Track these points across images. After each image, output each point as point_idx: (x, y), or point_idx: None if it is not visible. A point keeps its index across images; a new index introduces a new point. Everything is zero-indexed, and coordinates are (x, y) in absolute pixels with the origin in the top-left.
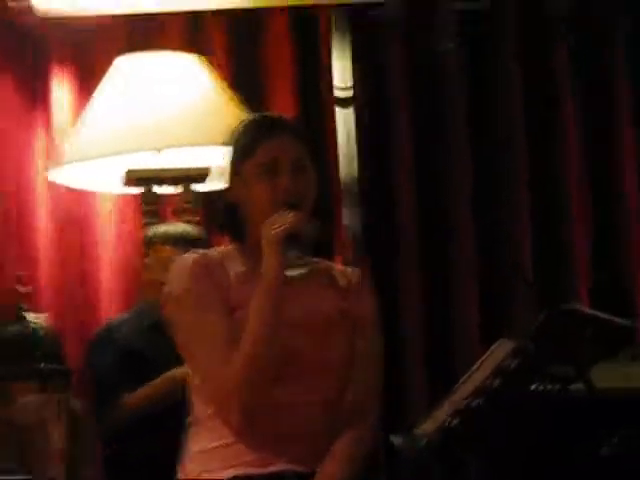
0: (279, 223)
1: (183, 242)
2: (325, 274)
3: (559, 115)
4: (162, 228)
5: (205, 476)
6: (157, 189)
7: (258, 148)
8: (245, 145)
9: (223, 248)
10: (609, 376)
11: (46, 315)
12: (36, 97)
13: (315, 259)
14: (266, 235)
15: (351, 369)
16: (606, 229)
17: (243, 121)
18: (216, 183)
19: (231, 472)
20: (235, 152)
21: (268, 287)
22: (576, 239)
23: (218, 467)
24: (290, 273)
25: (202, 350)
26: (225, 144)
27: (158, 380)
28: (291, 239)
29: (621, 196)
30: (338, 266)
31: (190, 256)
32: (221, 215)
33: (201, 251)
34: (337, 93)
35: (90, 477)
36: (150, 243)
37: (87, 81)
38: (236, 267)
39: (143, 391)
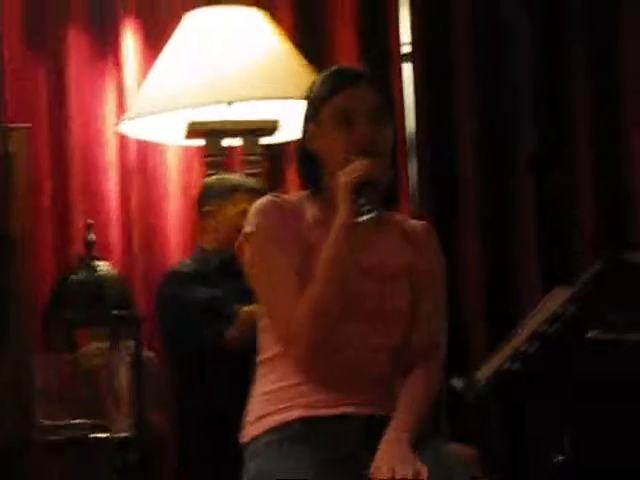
0: (354, 170)
1: (253, 192)
2: (397, 225)
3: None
4: (230, 178)
5: (272, 416)
6: (224, 141)
7: (337, 96)
8: (324, 92)
9: (300, 194)
10: None
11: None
12: (107, 51)
13: (387, 210)
14: (340, 182)
15: (414, 319)
16: None
17: (324, 71)
18: (284, 135)
19: (298, 413)
20: (314, 100)
21: (339, 234)
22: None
23: (284, 407)
24: (362, 220)
25: (272, 288)
26: (299, 96)
27: (242, 314)
28: (365, 187)
29: None
30: (409, 219)
31: (267, 198)
32: (298, 162)
33: (279, 195)
34: (402, 49)
35: (158, 423)
36: (219, 193)
37: (157, 35)
38: (312, 212)
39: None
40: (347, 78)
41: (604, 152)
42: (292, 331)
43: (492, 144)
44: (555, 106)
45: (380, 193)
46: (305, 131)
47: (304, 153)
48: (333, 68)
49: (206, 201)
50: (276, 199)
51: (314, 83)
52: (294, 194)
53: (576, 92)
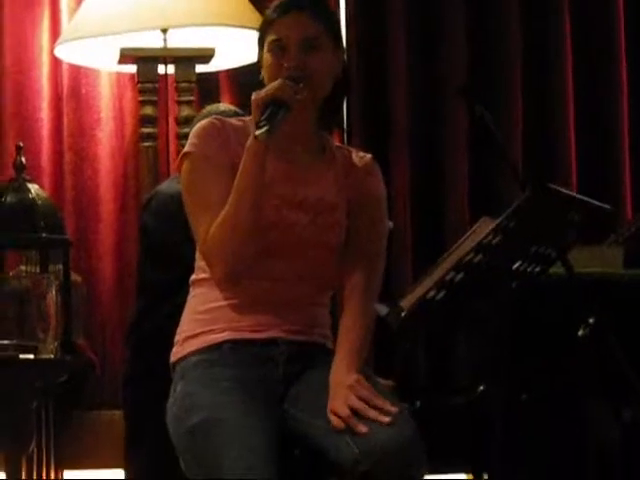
0: (265, 89)
1: None
2: (341, 159)
3: None
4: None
5: (201, 336)
6: (160, 68)
7: (273, 26)
8: (265, 23)
9: (249, 118)
10: (589, 259)
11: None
12: None
13: (335, 142)
14: (252, 100)
15: (353, 249)
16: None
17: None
18: (220, 63)
19: (226, 335)
20: (260, 28)
21: (246, 150)
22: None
23: (213, 329)
24: (256, 134)
25: (198, 209)
26: (235, 24)
27: None
28: (272, 105)
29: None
30: (355, 151)
31: (209, 120)
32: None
33: (222, 118)
34: None
35: (83, 348)
36: None
37: None
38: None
39: None
40: (285, 6)
41: (534, 86)
42: (208, 252)
43: (424, 74)
44: (486, 39)
45: (306, 115)
46: (257, 58)
47: (257, 78)
48: None
49: None
50: (217, 122)
51: (266, 11)
52: (244, 118)
53: (510, 26)
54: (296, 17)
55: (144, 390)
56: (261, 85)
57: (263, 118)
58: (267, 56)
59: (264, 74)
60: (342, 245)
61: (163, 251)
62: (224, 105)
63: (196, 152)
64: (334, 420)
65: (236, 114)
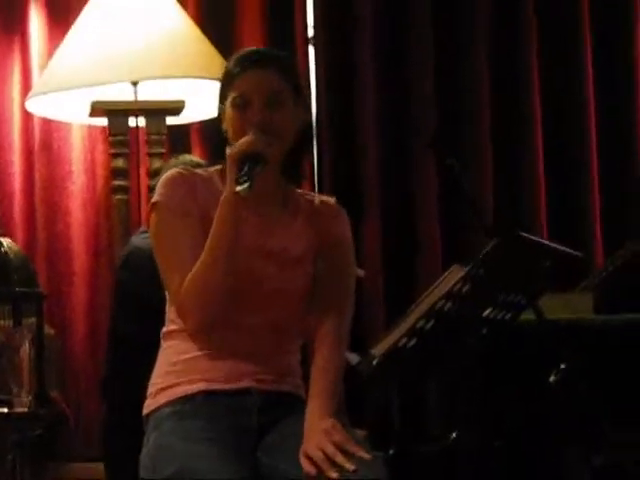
0: (239, 144)
1: None
2: (305, 206)
3: None
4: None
5: (173, 388)
6: (131, 121)
7: (236, 81)
8: (227, 77)
9: (212, 169)
10: (559, 306)
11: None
12: (14, 27)
13: (297, 190)
14: (227, 155)
15: (321, 296)
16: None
17: (235, 54)
18: (190, 115)
19: (199, 386)
20: (222, 82)
21: (221, 207)
22: (538, 174)
23: (186, 380)
24: (237, 190)
25: (168, 260)
26: (204, 76)
27: None
28: (249, 160)
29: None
30: (318, 197)
31: (176, 170)
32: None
33: (189, 168)
34: (308, 32)
35: (57, 400)
36: None
37: (64, 14)
38: (218, 188)
39: None
40: (248, 62)
41: (503, 138)
42: (180, 305)
43: (394, 126)
44: (455, 86)
45: (272, 168)
46: (218, 111)
47: (219, 132)
48: (242, 51)
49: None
50: (185, 172)
51: (226, 65)
52: (209, 169)
53: (478, 74)
54: (260, 72)
55: (122, 442)
56: (224, 138)
57: (242, 174)
58: (230, 111)
59: (227, 128)
60: (310, 293)
61: (137, 303)
62: (189, 156)
63: (163, 201)
64: (305, 464)
65: (198, 165)
